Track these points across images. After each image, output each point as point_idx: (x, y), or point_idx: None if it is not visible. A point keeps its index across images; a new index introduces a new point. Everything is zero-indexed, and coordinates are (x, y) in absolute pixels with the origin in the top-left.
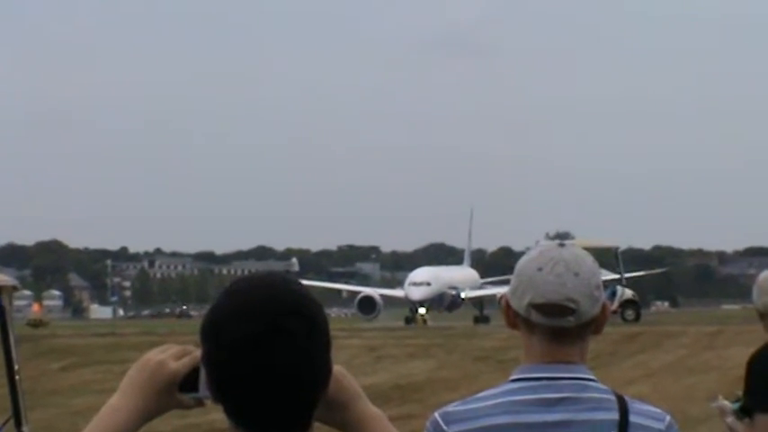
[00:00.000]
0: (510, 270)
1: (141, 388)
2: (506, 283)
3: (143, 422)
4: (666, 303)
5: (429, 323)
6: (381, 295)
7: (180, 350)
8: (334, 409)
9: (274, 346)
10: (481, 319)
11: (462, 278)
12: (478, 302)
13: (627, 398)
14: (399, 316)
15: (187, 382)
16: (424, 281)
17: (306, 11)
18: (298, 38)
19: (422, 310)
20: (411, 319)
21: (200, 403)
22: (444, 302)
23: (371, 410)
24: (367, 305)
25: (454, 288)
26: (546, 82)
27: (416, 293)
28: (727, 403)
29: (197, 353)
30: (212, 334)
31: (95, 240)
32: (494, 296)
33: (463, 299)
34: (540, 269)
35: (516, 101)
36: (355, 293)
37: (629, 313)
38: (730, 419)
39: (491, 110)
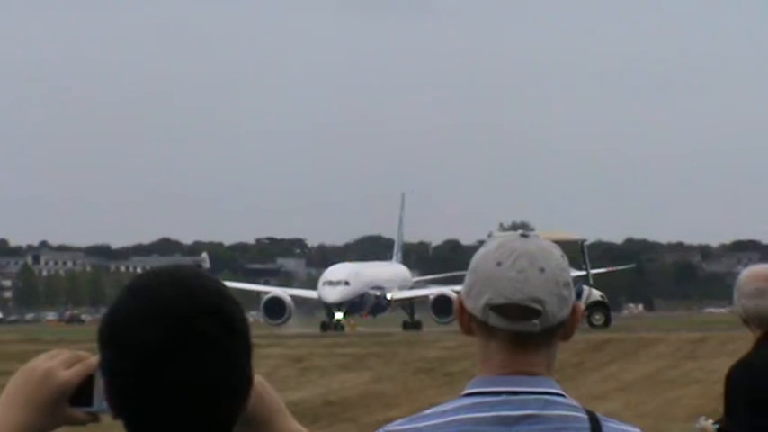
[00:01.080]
0: (457, 266)
1: (25, 401)
2: (442, 281)
3: None
4: (641, 306)
5: (360, 329)
6: (293, 296)
7: (71, 356)
8: (252, 426)
9: (187, 352)
10: (411, 325)
11: (389, 276)
12: (408, 305)
13: (599, 416)
14: (314, 321)
15: (79, 393)
16: (341, 279)
17: None
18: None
19: (338, 315)
20: (328, 326)
21: (94, 418)
22: (366, 305)
23: (296, 428)
24: (275, 308)
25: (379, 288)
26: (497, 39)
27: (332, 294)
28: (709, 424)
29: (91, 359)
30: (113, 338)
31: None
32: (426, 297)
33: (389, 300)
34: (499, 264)
35: (459, 64)
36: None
37: (598, 317)
38: None
39: (429, 76)
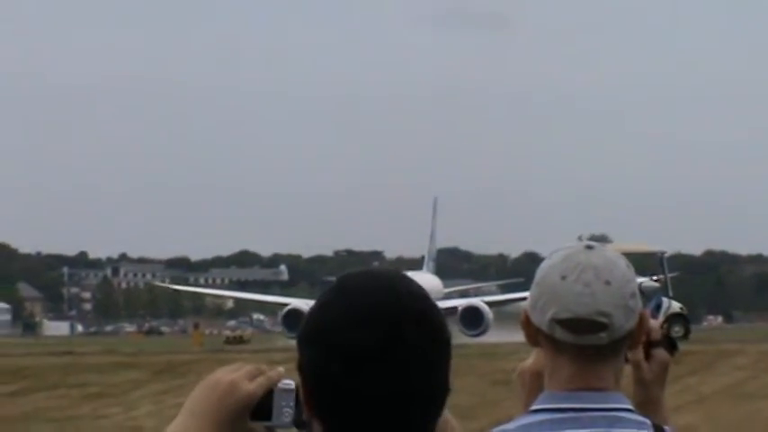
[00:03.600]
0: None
1: (210, 412)
2: (465, 293)
3: None
4: (720, 318)
5: None
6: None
7: (254, 369)
8: None
9: (395, 357)
10: None
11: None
12: None
13: (668, 430)
14: None
15: (260, 408)
16: None
17: None
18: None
19: None
20: None
21: None
22: None
23: None
24: (295, 321)
25: None
26: (573, 60)
27: None
28: None
29: (273, 373)
30: (320, 338)
31: (49, 244)
32: (455, 310)
33: None
34: (564, 277)
35: (539, 81)
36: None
37: (677, 329)
38: None
39: (506, 89)
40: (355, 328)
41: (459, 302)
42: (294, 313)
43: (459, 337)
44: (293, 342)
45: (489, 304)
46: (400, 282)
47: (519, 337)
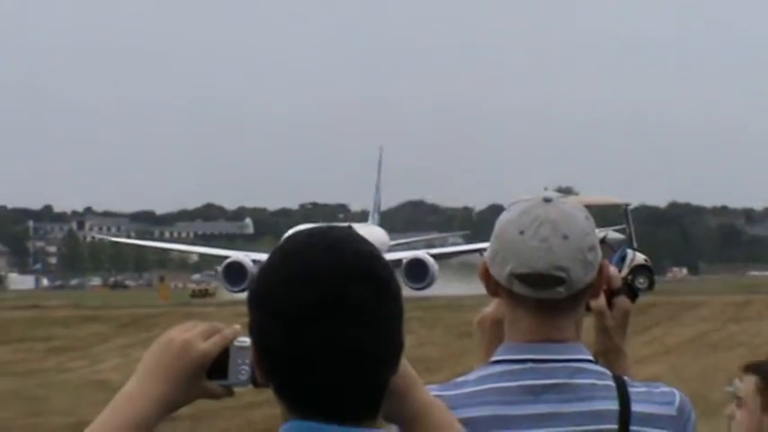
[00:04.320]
0: None
1: (164, 372)
2: (413, 245)
3: (166, 412)
4: (685, 269)
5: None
6: (255, 261)
7: (208, 328)
8: (390, 398)
9: (338, 315)
10: None
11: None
12: None
13: (628, 381)
14: None
15: (216, 366)
16: None
17: None
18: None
19: None
20: None
21: (229, 392)
22: None
23: (430, 398)
24: (235, 274)
25: None
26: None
27: None
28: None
29: (227, 332)
30: (265, 301)
31: (15, 198)
32: (399, 262)
33: None
34: (521, 232)
35: (513, 33)
36: (223, 258)
37: (642, 281)
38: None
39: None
40: (296, 288)
41: (405, 255)
42: (233, 266)
43: (403, 290)
44: (236, 296)
45: (436, 257)
46: (345, 240)
47: (478, 289)
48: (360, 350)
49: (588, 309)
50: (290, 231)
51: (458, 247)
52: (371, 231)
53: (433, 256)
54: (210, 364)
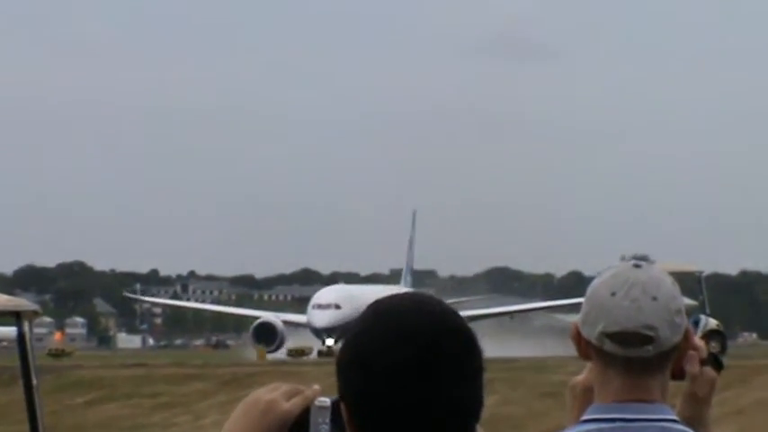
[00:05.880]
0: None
1: (251, 429)
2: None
3: None
4: (755, 334)
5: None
6: (286, 322)
7: (291, 389)
8: None
9: (435, 372)
10: None
11: None
12: None
13: None
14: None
15: (297, 425)
16: (331, 303)
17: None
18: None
19: (329, 341)
20: (321, 353)
21: None
22: None
23: None
24: (265, 334)
25: None
26: (616, 86)
27: (320, 319)
28: None
29: (309, 392)
30: (360, 361)
31: (123, 262)
32: None
33: None
34: (613, 293)
35: (581, 106)
36: (254, 319)
37: (714, 345)
38: None
39: (550, 115)
40: (394, 347)
41: None
42: (263, 327)
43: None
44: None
45: (472, 318)
46: (430, 300)
47: (560, 350)
48: (454, 403)
49: (679, 375)
50: (322, 291)
51: (493, 308)
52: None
53: (472, 318)
54: (292, 422)
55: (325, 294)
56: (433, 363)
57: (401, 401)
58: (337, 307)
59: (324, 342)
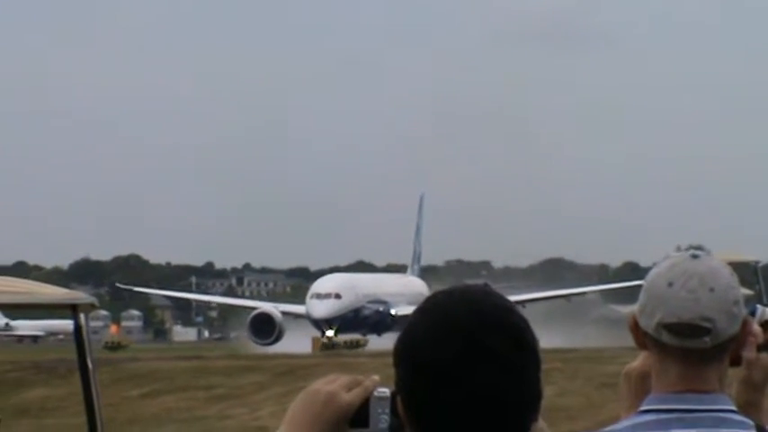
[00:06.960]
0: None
1: (311, 421)
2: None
3: None
4: None
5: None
6: (284, 312)
7: (350, 380)
8: None
9: (478, 367)
10: None
11: (396, 290)
12: None
13: None
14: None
15: (358, 416)
16: (330, 292)
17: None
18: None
19: (329, 332)
20: (328, 345)
21: None
22: (365, 321)
23: None
24: (262, 325)
25: (381, 302)
26: (666, 68)
27: (319, 309)
28: None
29: (368, 383)
30: (408, 357)
31: (178, 255)
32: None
33: (394, 317)
34: (670, 284)
35: (630, 94)
36: (250, 310)
37: None
38: None
39: (597, 107)
40: (437, 341)
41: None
42: (260, 317)
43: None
44: (260, 348)
45: (524, 302)
46: (482, 294)
47: (617, 341)
48: (500, 398)
49: (737, 362)
50: (321, 280)
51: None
52: (406, 281)
53: (525, 301)
54: (353, 414)
55: (324, 283)
56: (477, 357)
57: (447, 397)
58: (337, 296)
59: (323, 333)
